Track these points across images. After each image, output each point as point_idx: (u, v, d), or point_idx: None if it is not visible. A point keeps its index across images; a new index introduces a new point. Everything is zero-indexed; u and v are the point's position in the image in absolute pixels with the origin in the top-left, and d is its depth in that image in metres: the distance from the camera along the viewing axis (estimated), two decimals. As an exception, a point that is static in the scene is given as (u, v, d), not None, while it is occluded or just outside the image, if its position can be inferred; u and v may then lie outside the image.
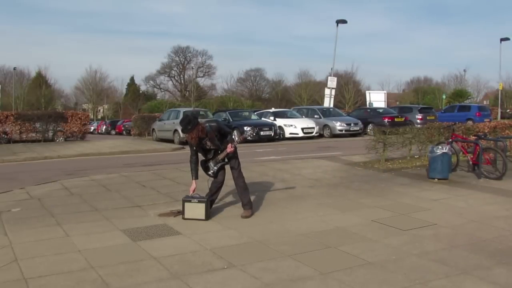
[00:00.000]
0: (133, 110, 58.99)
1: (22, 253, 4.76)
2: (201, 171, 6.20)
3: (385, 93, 39.00)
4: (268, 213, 6.30)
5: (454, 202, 6.92)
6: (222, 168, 6.20)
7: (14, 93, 54.87)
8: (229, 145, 5.91)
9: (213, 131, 5.85)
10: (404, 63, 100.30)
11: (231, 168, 6.19)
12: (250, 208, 6.22)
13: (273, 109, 25.95)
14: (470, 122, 18.81)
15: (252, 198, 6.72)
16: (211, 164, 6.17)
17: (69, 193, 7.81)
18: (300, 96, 58.86)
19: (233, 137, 6.25)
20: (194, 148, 6.01)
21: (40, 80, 60.73)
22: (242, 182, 6.20)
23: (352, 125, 22.22)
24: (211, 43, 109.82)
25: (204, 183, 6.30)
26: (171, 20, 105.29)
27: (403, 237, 5.21)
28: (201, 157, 6.20)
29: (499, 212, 6.30)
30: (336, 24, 31.74)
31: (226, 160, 6.14)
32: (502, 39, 38.64)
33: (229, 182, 7.91)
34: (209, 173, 6.22)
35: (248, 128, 7.72)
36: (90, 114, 43.97)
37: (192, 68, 70.56)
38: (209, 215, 6.00)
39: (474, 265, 4.34)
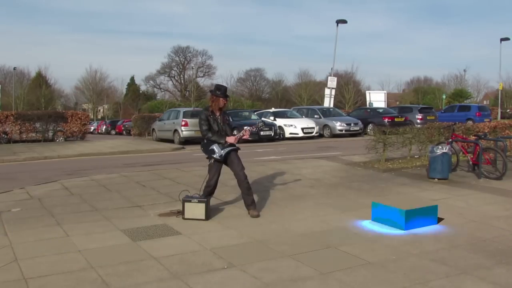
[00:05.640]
0: (133, 110, 59.05)
1: (22, 253, 4.76)
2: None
3: (385, 93, 39.02)
4: (268, 213, 6.30)
5: (454, 202, 6.92)
6: (229, 153, 6.07)
7: (14, 93, 54.92)
8: (247, 128, 6.03)
9: (227, 114, 6.37)
10: (404, 63, 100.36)
11: (234, 163, 6.08)
12: (255, 206, 6.20)
13: (273, 109, 25.91)
14: (470, 122, 18.81)
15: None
16: (215, 147, 6.06)
17: (69, 193, 7.81)
18: (300, 96, 58.89)
19: (245, 127, 6.22)
20: (210, 122, 6.08)
21: (40, 80, 60.76)
22: (247, 183, 6.11)
23: (352, 125, 22.22)
24: (211, 43, 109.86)
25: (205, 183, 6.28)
26: (171, 20, 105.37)
27: (403, 237, 5.21)
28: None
29: (499, 212, 6.30)
30: (336, 24, 31.76)
31: (235, 146, 6.14)
32: (502, 39, 38.67)
33: (229, 182, 7.92)
34: (215, 156, 6.03)
35: (259, 120, 7.79)
36: (90, 114, 44.00)
37: (192, 68, 70.62)
38: (209, 215, 6.00)
39: (474, 265, 4.34)
